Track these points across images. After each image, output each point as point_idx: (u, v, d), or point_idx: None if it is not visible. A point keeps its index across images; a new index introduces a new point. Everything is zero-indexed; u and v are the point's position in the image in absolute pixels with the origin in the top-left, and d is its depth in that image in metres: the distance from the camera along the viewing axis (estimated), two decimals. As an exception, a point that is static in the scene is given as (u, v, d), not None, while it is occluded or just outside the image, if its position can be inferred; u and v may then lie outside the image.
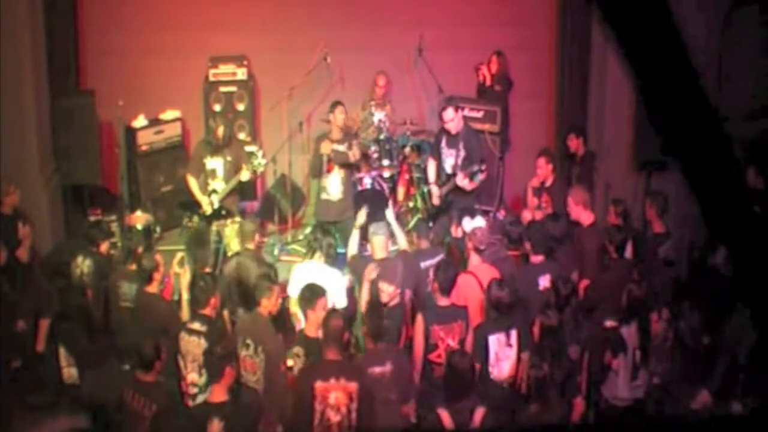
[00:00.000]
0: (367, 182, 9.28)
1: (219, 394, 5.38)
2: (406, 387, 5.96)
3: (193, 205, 8.38)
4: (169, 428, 5.39)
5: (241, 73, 10.23)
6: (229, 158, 8.34)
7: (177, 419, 5.48)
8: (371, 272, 6.64)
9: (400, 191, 9.89)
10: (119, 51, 10.04)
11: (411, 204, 9.80)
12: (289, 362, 6.04)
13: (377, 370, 5.79)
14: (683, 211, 7.70)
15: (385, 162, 9.50)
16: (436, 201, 8.52)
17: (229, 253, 7.94)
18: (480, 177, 8.18)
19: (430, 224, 8.24)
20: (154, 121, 9.96)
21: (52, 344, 6.68)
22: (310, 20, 10.19)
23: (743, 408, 6.19)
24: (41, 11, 8.90)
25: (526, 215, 8.58)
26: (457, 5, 10.47)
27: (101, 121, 9.51)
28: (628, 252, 7.25)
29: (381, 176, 9.38)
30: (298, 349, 6.00)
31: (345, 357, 5.76)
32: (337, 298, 6.72)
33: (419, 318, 6.30)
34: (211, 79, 10.20)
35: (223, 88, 10.21)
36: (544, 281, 6.79)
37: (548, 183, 8.63)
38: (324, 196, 8.98)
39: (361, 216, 7.61)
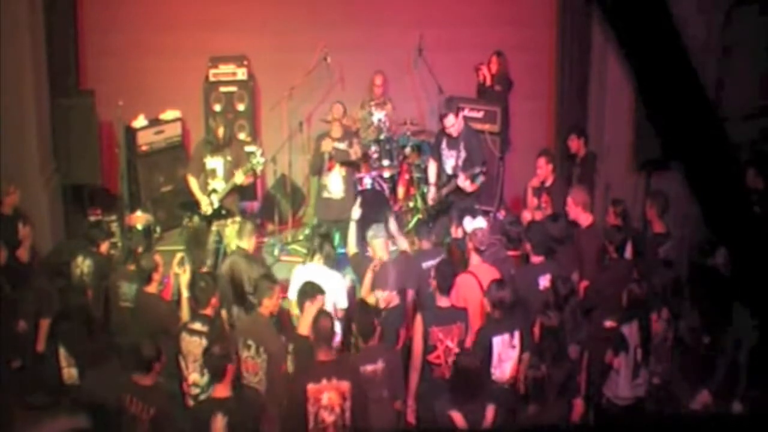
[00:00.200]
0: (368, 182, 9.27)
1: (222, 390, 5.39)
2: (398, 384, 6.01)
3: (193, 205, 8.37)
4: (168, 431, 5.39)
5: (241, 73, 10.22)
6: (229, 158, 8.33)
7: (175, 422, 5.47)
8: (375, 265, 6.73)
9: (400, 191, 9.88)
10: (119, 51, 10.05)
11: (411, 204, 9.79)
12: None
13: (369, 368, 5.81)
14: (683, 211, 7.69)
15: (385, 162, 9.49)
16: (430, 202, 8.52)
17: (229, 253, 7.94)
18: (481, 178, 8.18)
19: (430, 224, 8.24)
20: (154, 121, 9.96)
21: (52, 344, 6.68)
22: (310, 20, 10.18)
23: (743, 408, 6.20)
24: (41, 11, 8.89)
25: (526, 215, 8.58)
26: (457, 5, 10.46)
27: (101, 121, 9.51)
28: (628, 252, 7.24)
29: (381, 176, 9.38)
30: (290, 347, 6.02)
31: (337, 356, 5.77)
32: (337, 299, 6.73)
33: (418, 319, 6.30)
34: (211, 79, 10.19)
35: (223, 88, 10.21)
36: (544, 281, 6.78)
37: (548, 183, 8.62)
38: (325, 194, 8.97)
39: (356, 210, 7.60)
